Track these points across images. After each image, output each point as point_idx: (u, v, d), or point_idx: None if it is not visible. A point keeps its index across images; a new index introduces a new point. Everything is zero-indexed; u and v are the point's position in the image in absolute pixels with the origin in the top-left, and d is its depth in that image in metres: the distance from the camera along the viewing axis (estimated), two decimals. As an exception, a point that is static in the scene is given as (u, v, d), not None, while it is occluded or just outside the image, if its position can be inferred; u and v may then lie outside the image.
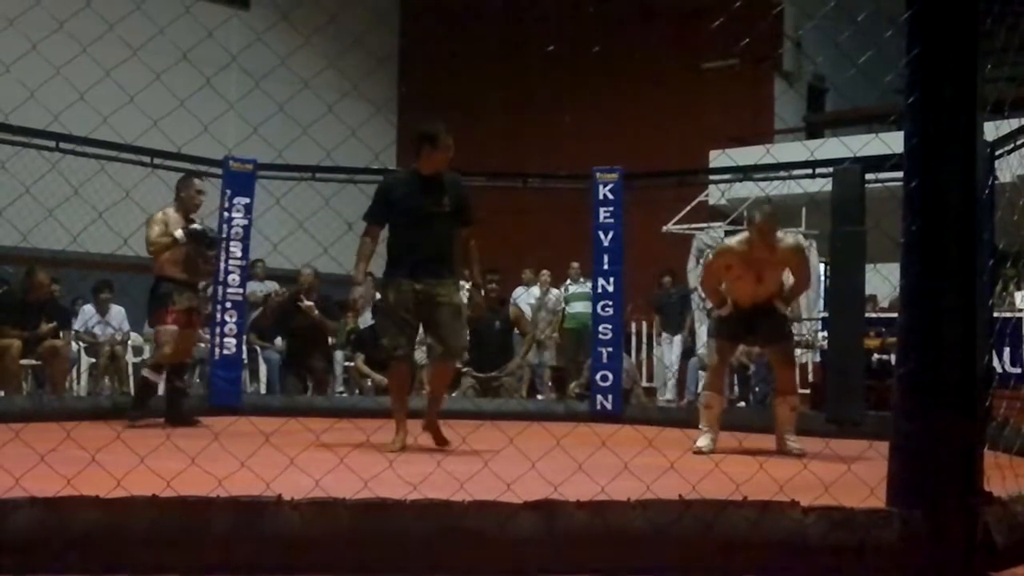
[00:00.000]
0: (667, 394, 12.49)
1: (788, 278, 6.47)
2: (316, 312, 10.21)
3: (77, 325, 10.43)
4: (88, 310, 10.63)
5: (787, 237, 6.27)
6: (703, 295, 6.16)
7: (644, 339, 13.28)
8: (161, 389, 7.69)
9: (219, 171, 8.83)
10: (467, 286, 6.64)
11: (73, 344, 10.03)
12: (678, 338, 12.37)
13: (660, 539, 2.71)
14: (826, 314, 9.87)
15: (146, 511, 2.58)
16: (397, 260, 5.86)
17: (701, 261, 10.84)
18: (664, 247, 12.79)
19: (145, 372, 7.43)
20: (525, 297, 12.32)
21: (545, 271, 12.37)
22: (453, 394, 10.02)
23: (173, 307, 7.15)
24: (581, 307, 11.26)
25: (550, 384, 12.15)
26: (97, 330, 10.48)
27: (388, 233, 5.90)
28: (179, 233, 7.17)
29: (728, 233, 12.06)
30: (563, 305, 11.89)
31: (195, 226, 7.28)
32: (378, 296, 6.81)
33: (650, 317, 12.75)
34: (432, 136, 5.91)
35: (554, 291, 12.21)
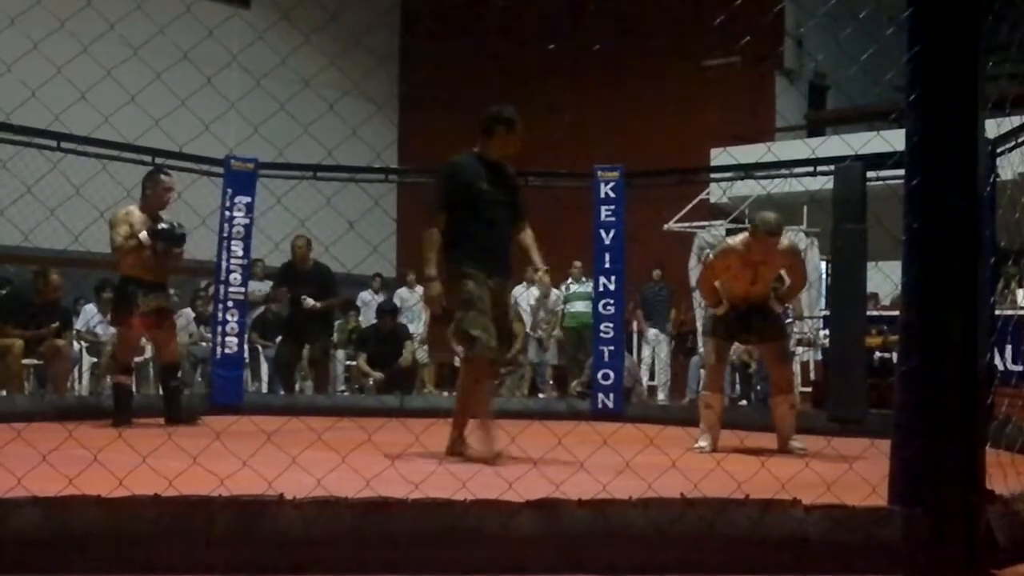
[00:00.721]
0: (662, 395, 12.52)
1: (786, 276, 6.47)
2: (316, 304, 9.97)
3: (79, 325, 10.45)
4: (90, 309, 10.64)
5: (783, 238, 6.27)
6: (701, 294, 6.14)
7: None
8: (157, 390, 7.68)
9: (220, 170, 8.84)
10: (541, 271, 6.33)
11: (75, 344, 10.04)
12: (662, 335, 12.40)
13: (662, 538, 2.71)
14: (827, 312, 9.87)
15: (148, 511, 2.58)
16: (467, 250, 5.49)
17: (702, 259, 10.83)
18: (666, 245, 12.78)
19: (116, 378, 7.33)
20: (525, 296, 12.32)
21: (577, 263, 12.36)
22: (455, 393, 10.04)
23: (139, 310, 7.01)
24: (582, 306, 11.27)
25: (551, 383, 12.17)
26: (99, 330, 10.49)
27: (448, 219, 5.53)
28: (143, 235, 6.95)
29: (729, 232, 12.07)
30: (563, 304, 11.90)
31: (162, 225, 7.05)
32: (423, 289, 6.05)
33: (638, 313, 12.73)
34: (510, 119, 5.61)
35: (554, 291, 12.21)
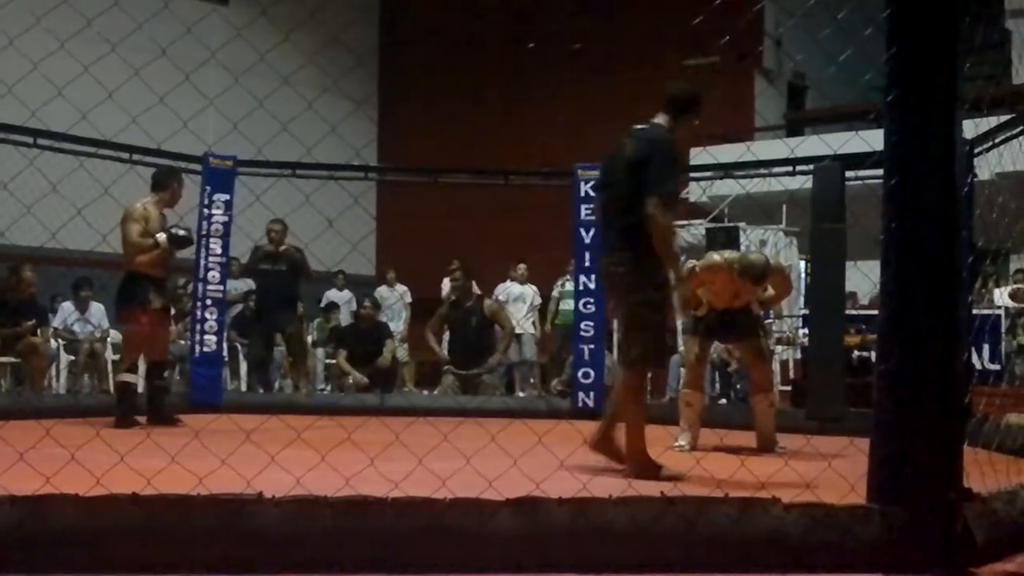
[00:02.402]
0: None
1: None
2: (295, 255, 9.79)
3: (56, 322, 10.39)
4: (67, 307, 10.58)
5: (771, 260, 6.32)
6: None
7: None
8: (140, 387, 7.65)
9: (199, 167, 8.79)
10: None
11: (52, 342, 9.98)
12: None
13: (642, 536, 2.71)
14: (807, 311, 9.91)
15: (126, 509, 2.56)
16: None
17: (683, 258, 10.86)
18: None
19: (122, 377, 7.27)
20: (500, 292, 12.28)
21: (522, 264, 12.37)
22: (435, 391, 10.03)
23: (148, 307, 6.97)
24: (572, 304, 11.27)
25: (532, 381, 12.16)
26: (76, 327, 10.43)
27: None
28: (162, 237, 6.95)
29: (709, 231, 12.09)
30: (556, 303, 11.89)
31: (180, 232, 7.07)
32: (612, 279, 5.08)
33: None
34: (699, 101, 5.03)
35: (531, 286, 12.22)
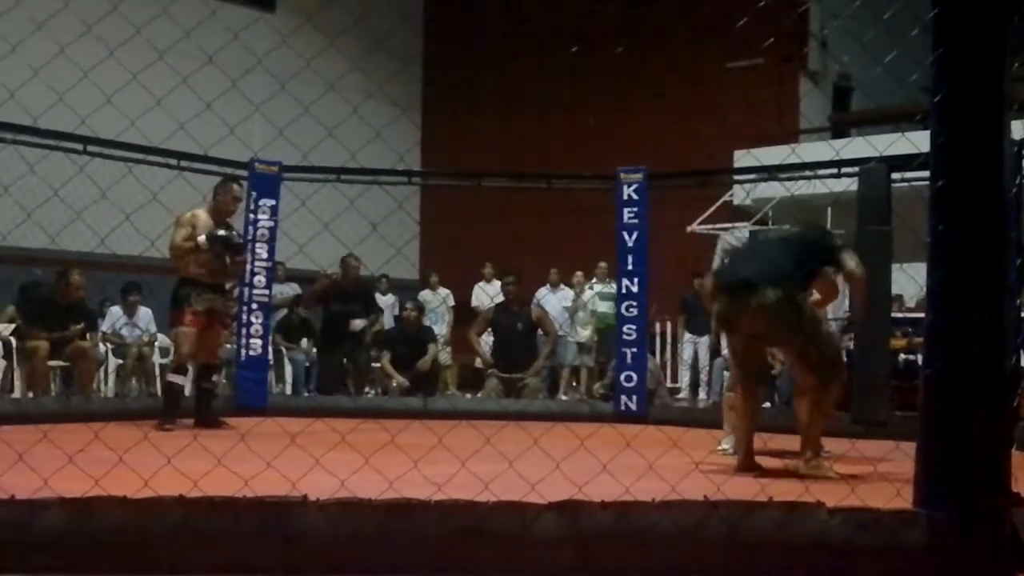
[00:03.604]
0: (683, 393, 12.52)
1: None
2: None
3: (104, 327, 10.50)
4: (116, 311, 10.70)
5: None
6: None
7: (669, 339, 13.28)
8: (188, 390, 7.74)
9: (245, 173, 8.88)
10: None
11: (100, 345, 10.10)
12: (704, 339, 12.36)
13: (685, 540, 2.70)
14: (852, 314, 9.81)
15: (173, 511, 2.60)
16: None
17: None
18: (689, 247, 12.75)
19: (169, 377, 7.44)
20: (550, 298, 12.32)
21: (579, 272, 12.40)
22: (478, 395, 10.05)
23: (191, 308, 7.11)
24: (605, 307, 11.25)
25: (574, 384, 12.14)
26: (124, 331, 10.54)
27: None
28: (201, 239, 7.10)
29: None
30: (586, 306, 11.91)
31: (220, 232, 7.21)
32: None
33: (674, 317, 12.74)
34: None
35: (588, 292, 12.24)
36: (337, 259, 9.91)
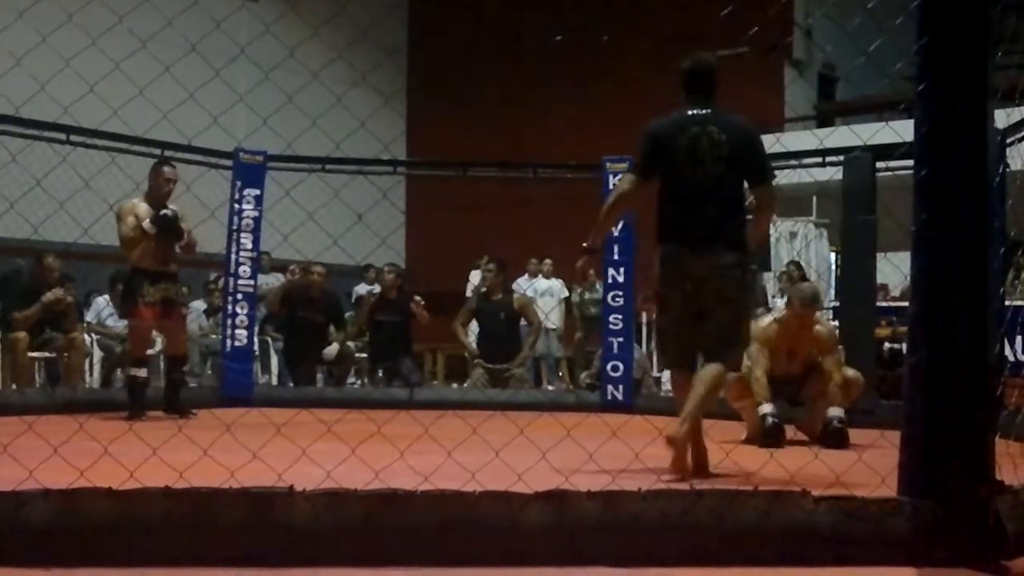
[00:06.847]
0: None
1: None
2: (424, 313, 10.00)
3: (89, 317, 10.45)
4: (101, 302, 10.64)
5: (822, 326, 6.13)
6: None
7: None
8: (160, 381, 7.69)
9: (229, 163, 8.84)
10: None
11: (86, 336, 10.05)
12: None
13: (671, 529, 2.71)
14: (837, 303, 9.84)
15: (159, 503, 2.59)
16: None
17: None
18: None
19: (129, 371, 7.34)
20: (527, 287, 12.28)
21: (547, 260, 12.38)
22: (465, 384, 10.04)
23: (143, 300, 7.00)
24: (594, 311, 11.21)
25: (561, 374, 12.15)
26: (110, 322, 10.49)
27: None
28: (147, 224, 6.96)
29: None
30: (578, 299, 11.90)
31: (162, 212, 7.03)
32: None
33: None
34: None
35: (558, 281, 12.23)
36: (321, 249, 9.88)
